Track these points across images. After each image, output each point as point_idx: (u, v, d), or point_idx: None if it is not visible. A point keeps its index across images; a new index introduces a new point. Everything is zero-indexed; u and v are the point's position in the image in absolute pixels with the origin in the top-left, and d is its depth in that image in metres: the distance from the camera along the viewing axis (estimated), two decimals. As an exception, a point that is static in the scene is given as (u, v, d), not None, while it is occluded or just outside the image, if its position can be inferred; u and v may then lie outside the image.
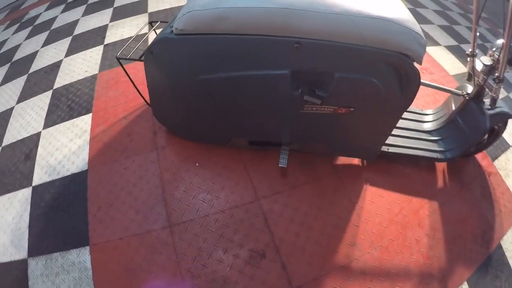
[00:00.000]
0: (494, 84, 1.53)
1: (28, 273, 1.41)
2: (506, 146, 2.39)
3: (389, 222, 1.61)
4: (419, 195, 1.75)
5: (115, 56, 1.43)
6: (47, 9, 3.77)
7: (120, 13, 3.18)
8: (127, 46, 1.54)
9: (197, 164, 1.61)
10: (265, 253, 1.44)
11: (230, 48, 1.20)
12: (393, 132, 1.81)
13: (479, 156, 2.12)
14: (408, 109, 1.99)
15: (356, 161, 1.79)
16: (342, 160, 1.78)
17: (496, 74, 1.49)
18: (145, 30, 2.63)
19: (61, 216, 1.55)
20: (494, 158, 2.21)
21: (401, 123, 1.93)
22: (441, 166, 1.92)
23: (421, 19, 3.93)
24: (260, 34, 1.15)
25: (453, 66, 3.11)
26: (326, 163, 1.73)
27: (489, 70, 1.53)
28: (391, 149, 1.73)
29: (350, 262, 1.47)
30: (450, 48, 3.52)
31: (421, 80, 1.32)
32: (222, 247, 1.45)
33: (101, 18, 3.15)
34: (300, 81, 1.25)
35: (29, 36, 3.25)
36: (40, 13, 3.69)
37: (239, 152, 1.66)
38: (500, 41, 1.51)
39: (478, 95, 1.68)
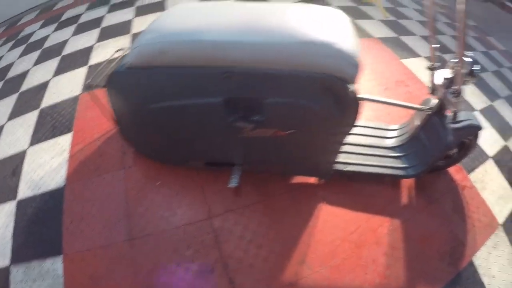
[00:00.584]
0: (453, 98, 1.50)
1: (10, 279, 1.54)
2: (484, 158, 2.36)
3: (343, 241, 1.60)
4: (379, 213, 1.73)
5: (86, 83, 1.55)
6: (41, 27, 3.95)
7: (106, 34, 3.33)
8: (98, 72, 1.61)
9: (158, 183, 1.72)
10: (213, 268, 1.51)
11: (171, 79, 1.29)
12: (353, 150, 1.81)
13: (452, 170, 2.09)
14: (372, 125, 2.01)
15: (312, 179, 1.79)
16: (298, 179, 1.79)
17: (455, 87, 1.46)
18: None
19: (40, 228, 1.69)
20: (470, 170, 2.18)
21: (362, 140, 1.92)
22: (407, 183, 1.90)
23: (402, 30, 3.94)
24: (194, 66, 1.23)
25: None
26: (281, 182, 1.75)
27: (449, 83, 1.50)
28: (349, 167, 1.71)
29: (298, 280, 1.49)
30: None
31: (376, 97, 1.41)
32: (175, 260, 1.53)
33: (89, 38, 3.31)
34: (234, 107, 1.31)
35: (22, 54, 3.42)
36: (34, 31, 3.89)
37: (197, 172, 1.76)
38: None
39: (440, 110, 1.63)
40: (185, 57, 1.19)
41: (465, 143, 1.89)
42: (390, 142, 1.90)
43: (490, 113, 2.91)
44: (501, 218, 1.97)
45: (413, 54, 3.49)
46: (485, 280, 1.66)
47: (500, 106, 3.14)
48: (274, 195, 1.69)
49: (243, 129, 1.37)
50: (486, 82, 3.50)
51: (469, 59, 1.46)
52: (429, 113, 1.73)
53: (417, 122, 1.82)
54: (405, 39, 3.69)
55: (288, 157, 1.58)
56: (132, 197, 1.66)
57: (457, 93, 1.47)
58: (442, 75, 1.54)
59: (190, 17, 1.32)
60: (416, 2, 5.30)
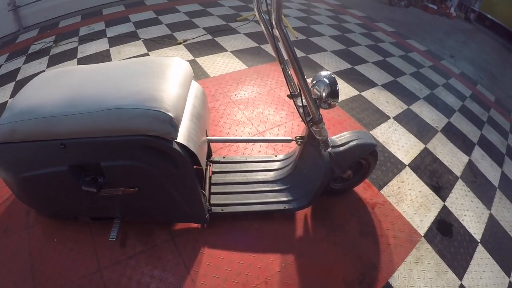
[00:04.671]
0: (313, 127, 1.39)
1: None
2: (400, 167, 2.24)
3: (228, 284, 1.50)
4: (269, 250, 1.62)
5: None
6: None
7: (20, 88, 3.20)
8: None
9: (56, 240, 1.70)
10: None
11: (26, 152, 1.32)
12: (232, 190, 1.73)
13: (360, 188, 1.97)
14: (257, 159, 1.91)
15: (194, 225, 1.72)
16: (180, 226, 1.72)
17: (310, 116, 1.35)
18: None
19: None
20: (383, 185, 2.06)
21: (245, 177, 1.81)
22: (301, 214, 1.78)
23: (312, 48, 4.02)
24: (38, 140, 1.27)
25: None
26: (164, 231, 1.70)
27: (307, 112, 1.36)
28: (226, 209, 1.64)
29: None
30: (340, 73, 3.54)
31: (225, 138, 1.55)
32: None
33: (3, 93, 3.17)
34: (80, 173, 1.34)
35: None
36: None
37: (88, 226, 1.74)
38: (320, 75, 1.39)
39: (313, 138, 1.50)
40: (30, 133, 1.25)
41: (361, 163, 1.79)
42: (273, 175, 1.80)
43: (407, 118, 2.87)
44: (423, 228, 1.86)
45: (323, 70, 3.44)
46: (406, 300, 1.52)
47: (419, 107, 3.12)
48: (157, 244, 1.65)
49: (92, 191, 1.37)
50: (403, 86, 3.51)
51: (326, 80, 1.35)
52: (299, 142, 1.64)
53: (297, 153, 1.71)
54: (314, 57, 3.67)
55: (154, 208, 1.56)
56: (35, 255, 1.64)
57: (314, 122, 1.35)
58: (299, 102, 1.41)
59: (39, 91, 1.39)
60: (329, 17, 5.42)
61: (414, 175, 2.21)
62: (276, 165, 1.86)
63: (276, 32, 1.12)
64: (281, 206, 1.65)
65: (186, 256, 1.59)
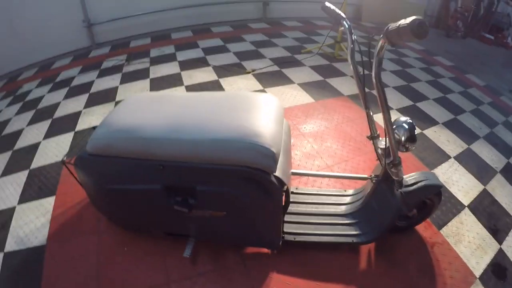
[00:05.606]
0: (392, 168, 1.52)
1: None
2: (459, 208, 2.35)
3: None
4: (334, 280, 1.70)
5: (61, 160, 1.72)
6: (38, 86, 4.13)
7: (93, 100, 3.51)
8: (72, 150, 1.94)
9: (125, 249, 1.83)
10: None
11: (120, 167, 1.48)
12: (304, 220, 1.86)
13: (421, 227, 2.09)
14: (328, 192, 2.07)
15: (265, 250, 1.81)
16: (251, 250, 1.82)
17: (390, 158, 1.49)
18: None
19: (22, 280, 1.78)
20: (442, 225, 2.17)
21: (316, 208, 1.96)
22: (366, 248, 1.87)
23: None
24: (135, 158, 1.42)
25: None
26: (235, 252, 1.80)
27: (387, 153, 1.51)
28: (298, 238, 1.74)
29: None
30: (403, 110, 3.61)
31: (312, 172, 1.70)
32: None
33: (78, 103, 3.47)
34: (172, 193, 1.47)
35: (19, 112, 3.57)
36: (31, 90, 4.05)
37: (160, 240, 1.86)
38: (400, 120, 1.55)
39: (387, 177, 1.64)
40: (127, 150, 1.38)
41: (426, 202, 1.91)
42: (343, 209, 1.90)
43: (467, 158, 2.93)
44: (478, 270, 1.92)
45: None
46: None
47: (478, 147, 3.16)
48: (228, 265, 1.74)
49: (183, 211, 1.50)
50: (463, 124, 3.55)
51: (405, 125, 1.52)
52: (374, 181, 1.78)
53: (368, 189, 1.85)
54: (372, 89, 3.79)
55: (234, 231, 1.65)
56: (102, 260, 1.76)
57: (394, 164, 1.49)
58: (381, 144, 1.57)
59: (135, 112, 1.52)
60: (392, 51, 5.51)
61: (473, 216, 2.29)
62: (346, 199, 2.00)
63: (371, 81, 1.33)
64: (349, 239, 1.78)
65: (255, 279, 1.70)
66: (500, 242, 2.16)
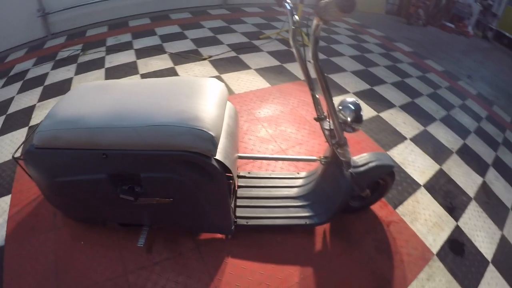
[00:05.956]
0: (338, 149, 1.51)
1: None
2: (415, 187, 2.35)
3: None
4: (288, 262, 1.71)
5: (12, 155, 1.64)
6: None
7: (48, 93, 3.32)
8: (22, 144, 1.86)
9: (82, 243, 1.79)
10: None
11: (66, 159, 1.43)
12: (257, 204, 1.85)
13: (376, 207, 2.08)
14: (281, 175, 2.04)
15: (219, 236, 1.83)
16: (205, 235, 1.83)
17: (336, 139, 1.48)
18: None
19: None
20: (398, 204, 2.17)
21: (269, 192, 1.94)
22: (321, 229, 1.88)
23: (332, 68, 4.16)
24: (79, 148, 1.39)
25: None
26: (190, 240, 1.80)
27: (332, 134, 1.50)
28: (251, 222, 1.75)
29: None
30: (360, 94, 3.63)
31: (256, 155, 1.67)
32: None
33: (31, 97, 3.28)
34: (118, 181, 1.46)
35: None
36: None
37: (116, 232, 1.83)
38: (346, 101, 1.52)
39: (336, 158, 1.61)
40: (72, 141, 1.35)
41: (379, 182, 1.90)
42: (296, 191, 1.91)
43: (423, 139, 2.96)
44: (435, 247, 1.94)
45: (342, 91, 3.57)
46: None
47: (435, 129, 3.21)
48: (182, 252, 1.73)
49: (129, 199, 1.48)
50: (420, 107, 3.60)
51: (351, 106, 1.48)
52: (324, 162, 1.76)
53: (319, 171, 1.83)
54: (335, 77, 3.78)
55: (184, 218, 1.66)
56: (60, 256, 1.72)
57: (339, 144, 1.49)
58: (326, 125, 1.55)
59: (81, 102, 1.51)
60: (349, 36, 5.54)
61: (428, 195, 2.31)
62: (298, 182, 1.98)
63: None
64: (302, 221, 1.76)
65: (210, 265, 1.69)
66: (456, 219, 2.19)
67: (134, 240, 1.72)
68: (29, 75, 3.81)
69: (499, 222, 2.30)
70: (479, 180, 2.66)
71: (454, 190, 2.45)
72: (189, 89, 1.52)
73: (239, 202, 1.83)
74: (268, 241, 1.81)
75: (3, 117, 3.03)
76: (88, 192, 1.55)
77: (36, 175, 1.58)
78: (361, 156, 1.75)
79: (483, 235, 2.15)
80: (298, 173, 2.07)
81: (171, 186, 1.45)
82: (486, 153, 3.08)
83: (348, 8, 0.97)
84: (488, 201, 2.47)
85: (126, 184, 1.46)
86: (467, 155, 2.91)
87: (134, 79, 1.71)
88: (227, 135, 1.57)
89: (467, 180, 2.60)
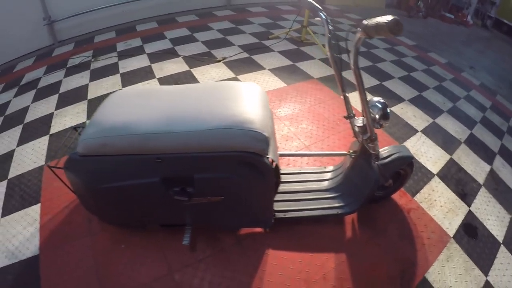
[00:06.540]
0: (369, 144, 1.66)
1: None
2: (429, 177, 2.51)
3: (292, 281, 1.69)
4: (324, 250, 1.83)
5: (46, 164, 1.72)
6: (2, 91, 3.85)
7: (64, 100, 3.35)
8: (57, 153, 1.88)
9: (123, 246, 1.84)
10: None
11: (116, 165, 1.49)
12: (292, 198, 1.97)
13: (396, 196, 2.24)
14: (309, 170, 2.19)
15: (258, 230, 1.91)
16: (245, 230, 1.91)
17: (368, 134, 1.63)
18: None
19: None
20: (415, 192, 2.33)
21: (301, 186, 2.08)
22: (349, 218, 2.01)
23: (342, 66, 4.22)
24: (131, 154, 1.44)
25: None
26: (230, 235, 1.88)
27: (363, 130, 1.66)
28: (288, 214, 1.85)
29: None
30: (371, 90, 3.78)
31: (297, 152, 1.86)
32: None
33: (48, 105, 3.30)
34: (171, 184, 1.51)
35: None
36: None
37: (156, 233, 1.89)
38: (374, 100, 1.68)
39: (364, 152, 1.78)
40: (123, 148, 1.39)
41: (400, 173, 2.06)
42: (326, 184, 2.04)
43: (433, 131, 3.12)
44: (451, 230, 2.10)
45: (354, 88, 3.70)
46: (440, 292, 1.76)
47: (443, 120, 3.36)
48: (225, 248, 1.81)
49: (182, 200, 1.55)
50: (428, 100, 3.75)
51: (378, 105, 1.66)
52: (354, 156, 1.91)
53: (347, 164, 1.98)
54: (345, 74, 3.91)
55: (230, 214, 1.71)
56: (101, 261, 1.75)
57: (371, 139, 1.64)
58: (357, 122, 1.69)
59: (123, 108, 1.53)
60: (354, 32, 5.60)
61: (442, 183, 2.47)
62: (327, 175, 2.13)
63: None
64: (334, 211, 1.90)
65: (253, 257, 1.79)
66: (468, 204, 2.35)
67: (175, 240, 1.81)
68: (42, 84, 3.83)
69: (508, 206, 2.46)
70: (487, 167, 2.82)
71: (465, 178, 2.61)
72: (233, 94, 1.59)
73: (276, 197, 1.88)
74: (303, 232, 1.94)
75: (20, 126, 3.05)
76: (136, 196, 1.61)
77: (77, 182, 1.61)
78: (384, 149, 1.90)
79: (493, 219, 2.30)
80: (325, 167, 2.22)
81: (223, 185, 1.52)
82: (492, 142, 3.23)
83: (398, 32, 1.14)
84: (497, 187, 2.62)
85: (177, 186, 1.52)
86: (475, 145, 3.07)
87: (172, 86, 1.76)
88: (271, 135, 1.64)
89: (476, 168, 2.76)
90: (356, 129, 1.75)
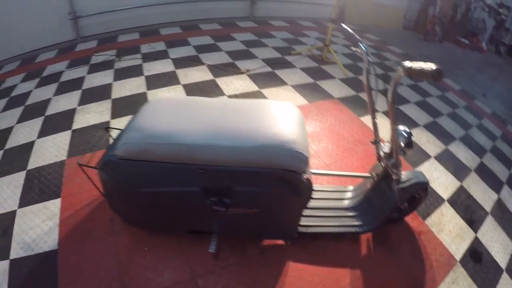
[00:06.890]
0: (393, 169, 1.77)
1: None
2: (440, 202, 2.65)
3: None
4: (341, 265, 1.91)
5: (77, 162, 1.73)
6: (23, 80, 3.87)
7: (88, 97, 3.38)
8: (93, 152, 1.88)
9: (146, 248, 1.85)
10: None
11: (157, 171, 1.57)
12: (314, 214, 2.09)
13: (409, 219, 2.37)
14: (331, 189, 2.32)
15: (280, 242, 1.99)
16: (268, 241, 1.98)
17: (393, 160, 1.76)
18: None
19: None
20: (426, 216, 2.46)
21: (323, 203, 2.20)
22: (365, 237, 2.09)
23: (361, 87, 4.28)
24: (174, 162, 1.49)
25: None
26: (254, 246, 1.94)
27: (389, 156, 1.79)
28: (310, 229, 1.94)
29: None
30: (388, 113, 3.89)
31: (326, 172, 1.97)
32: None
33: (70, 100, 3.32)
34: (210, 194, 1.58)
35: (6, 108, 3.31)
36: (16, 84, 3.78)
37: (180, 238, 1.91)
38: (399, 129, 1.81)
39: (385, 176, 1.89)
40: (166, 155, 1.45)
41: (415, 197, 2.19)
42: (347, 203, 2.13)
43: (445, 157, 3.25)
44: (458, 255, 2.22)
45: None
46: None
47: (455, 147, 3.48)
48: (249, 257, 1.87)
49: (218, 210, 1.60)
50: (441, 126, 3.87)
51: (404, 134, 1.80)
52: (376, 179, 2.04)
53: (368, 185, 2.12)
54: (364, 96, 4.04)
55: (258, 226, 1.79)
56: (123, 261, 1.76)
57: (395, 165, 1.77)
58: (383, 148, 1.84)
59: (164, 116, 1.59)
60: (372, 54, 5.75)
61: (451, 209, 2.59)
62: (348, 194, 2.26)
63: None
64: (353, 229, 2.02)
65: (274, 268, 1.84)
66: (475, 231, 2.47)
67: (199, 246, 1.88)
68: (64, 78, 3.83)
69: (512, 235, 2.57)
70: (494, 196, 2.93)
71: (473, 205, 2.73)
72: (273, 113, 1.66)
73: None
74: (322, 247, 2.05)
75: (42, 118, 3.04)
76: (172, 202, 1.69)
77: (110, 184, 1.67)
78: (403, 174, 2.01)
79: (498, 246, 2.41)
80: (346, 187, 2.36)
81: (258, 198, 1.60)
82: (500, 171, 3.35)
83: (439, 79, 1.30)
84: (502, 215, 2.74)
85: (215, 196, 1.58)
86: (484, 173, 3.18)
87: (211, 98, 1.84)
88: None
89: (484, 196, 2.87)
90: (382, 154, 1.89)
